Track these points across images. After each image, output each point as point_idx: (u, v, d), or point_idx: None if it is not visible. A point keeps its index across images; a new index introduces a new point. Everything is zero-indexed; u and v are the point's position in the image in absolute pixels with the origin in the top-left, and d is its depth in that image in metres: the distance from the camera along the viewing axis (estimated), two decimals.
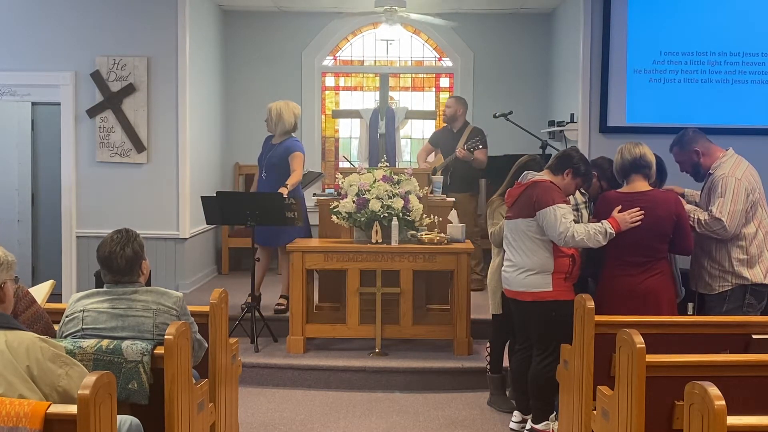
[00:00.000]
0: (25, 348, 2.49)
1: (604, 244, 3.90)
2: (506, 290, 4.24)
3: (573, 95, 6.92)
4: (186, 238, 6.78)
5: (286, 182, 5.79)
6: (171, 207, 6.75)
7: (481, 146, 6.50)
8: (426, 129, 8.57)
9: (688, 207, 4.14)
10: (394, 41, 8.44)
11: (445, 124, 6.96)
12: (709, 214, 4.08)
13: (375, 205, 5.29)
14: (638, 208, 3.91)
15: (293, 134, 6.08)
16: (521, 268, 4.07)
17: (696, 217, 4.10)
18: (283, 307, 5.96)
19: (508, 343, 4.67)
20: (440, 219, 5.52)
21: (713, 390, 2.15)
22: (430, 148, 7.03)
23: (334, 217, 5.46)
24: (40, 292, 3.34)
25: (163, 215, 6.73)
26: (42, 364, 2.49)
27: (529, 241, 4.03)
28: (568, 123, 6.97)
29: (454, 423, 4.56)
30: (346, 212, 5.37)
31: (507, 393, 4.77)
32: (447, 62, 8.53)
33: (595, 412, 3.39)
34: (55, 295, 3.53)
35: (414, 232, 5.44)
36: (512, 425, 4.40)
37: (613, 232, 3.88)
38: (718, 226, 4.05)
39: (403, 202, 5.32)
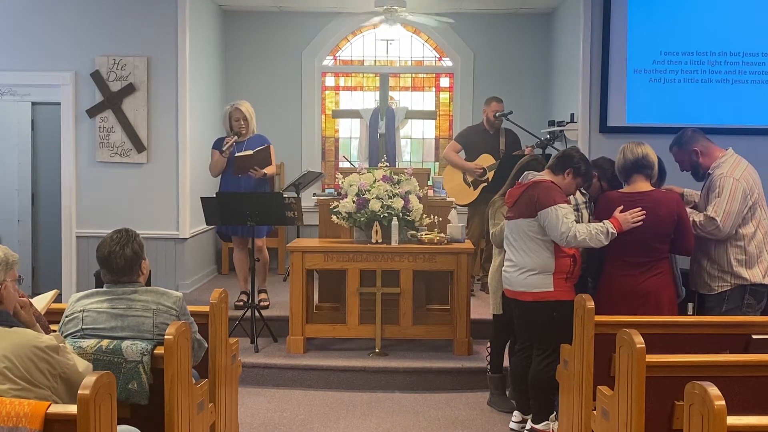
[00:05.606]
0: (26, 345, 2.50)
1: (606, 244, 3.90)
2: (507, 290, 4.24)
3: (573, 95, 6.92)
4: (186, 238, 6.78)
5: (264, 171, 5.90)
6: (171, 207, 6.74)
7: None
8: (426, 129, 8.57)
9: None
10: (394, 41, 8.44)
11: (477, 124, 6.90)
12: (705, 215, 4.08)
13: (375, 205, 5.28)
14: (639, 208, 3.90)
15: None
16: (522, 268, 4.06)
17: (692, 219, 4.09)
18: (241, 304, 5.98)
19: (508, 343, 4.67)
20: (440, 219, 5.52)
21: (713, 390, 2.15)
22: (458, 146, 6.77)
23: (334, 217, 5.46)
24: (42, 300, 3.32)
25: (163, 215, 6.72)
26: (41, 357, 2.50)
27: (530, 241, 4.03)
28: (568, 123, 6.97)
29: (454, 423, 4.56)
30: (346, 212, 5.37)
31: (507, 393, 4.77)
32: (447, 62, 8.52)
33: (595, 412, 3.39)
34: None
35: (414, 232, 5.44)
36: (512, 425, 4.40)
37: (614, 232, 3.88)
38: (712, 226, 4.05)
39: (403, 202, 5.32)
